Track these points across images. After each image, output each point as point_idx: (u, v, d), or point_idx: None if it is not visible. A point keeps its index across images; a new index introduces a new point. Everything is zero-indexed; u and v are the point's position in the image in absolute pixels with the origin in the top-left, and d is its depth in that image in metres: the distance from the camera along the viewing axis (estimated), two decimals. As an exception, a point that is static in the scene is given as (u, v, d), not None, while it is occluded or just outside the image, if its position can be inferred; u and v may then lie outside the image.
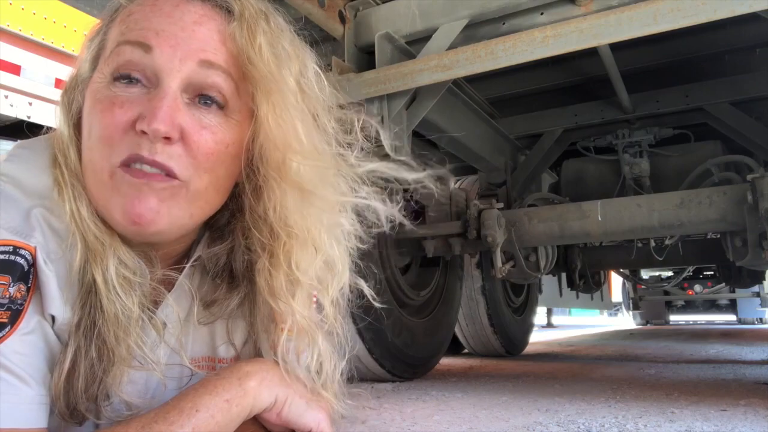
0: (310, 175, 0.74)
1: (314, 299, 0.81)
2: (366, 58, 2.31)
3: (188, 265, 0.80)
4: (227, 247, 0.80)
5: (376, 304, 0.84)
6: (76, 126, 0.74)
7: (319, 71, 0.82)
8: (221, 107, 0.72)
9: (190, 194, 0.70)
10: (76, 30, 3.69)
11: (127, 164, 0.67)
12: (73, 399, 0.67)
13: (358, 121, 0.86)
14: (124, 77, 0.69)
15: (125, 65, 0.69)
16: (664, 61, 3.05)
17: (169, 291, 0.79)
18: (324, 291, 0.80)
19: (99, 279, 0.68)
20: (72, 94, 0.75)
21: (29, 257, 0.65)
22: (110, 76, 0.69)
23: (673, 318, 11.74)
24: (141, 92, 0.68)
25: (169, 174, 0.68)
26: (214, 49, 0.71)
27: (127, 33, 0.70)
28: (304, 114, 0.75)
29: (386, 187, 0.87)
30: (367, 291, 0.85)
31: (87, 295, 0.69)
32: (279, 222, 0.73)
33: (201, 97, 0.71)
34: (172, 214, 0.70)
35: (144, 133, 0.66)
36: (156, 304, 0.77)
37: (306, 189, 0.74)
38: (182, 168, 0.68)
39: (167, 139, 0.66)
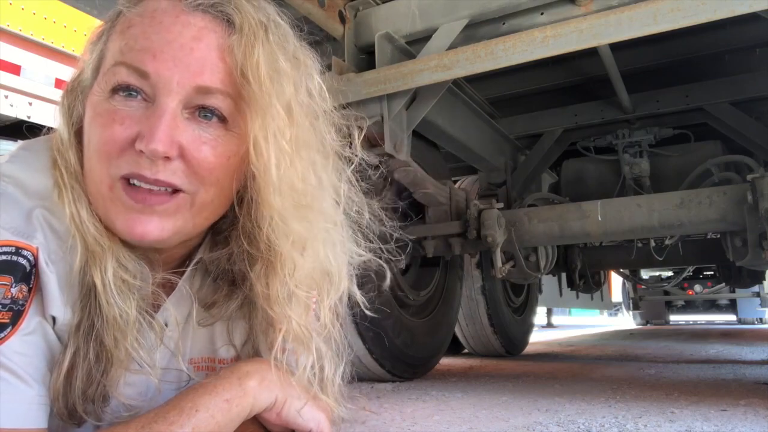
0: (294, 199, 0.74)
1: (313, 309, 0.81)
2: (366, 58, 2.31)
3: (189, 269, 0.80)
4: (228, 252, 0.80)
5: (369, 313, 0.85)
6: (77, 133, 0.74)
7: (322, 83, 0.81)
8: (221, 121, 0.71)
9: (197, 206, 0.71)
10: (76, 30, 3.69)
11: (127, 178, 0.67)
12: (71, 400, 0.67)
13: (359, 135, 0.86)
14: (122, 89, 0.68)
15: (122, 85, 0.68)
16: (664, 61, 3.05)
17: (169, 294, 0.79)
18: (322, 300, 0.80)
19: (98, 281, 0.68)
20: (72, 99, 0.75)
21: (31, 258, 0.65)
22: (109, 92, 0.69)
23: (673, 318, 11.73)
24: (140, 106, 0.68)
25: (174, 189, 0.69)
26: (211, 70, 0.69)
27: (126, 53, 0.69)
28: (298, 131, 0.74)
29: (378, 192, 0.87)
30: (360, 300, 0.85)
31: (87, 297, 0.69)
32: (273, 233, 0.73)
33: (201, 111, 0.70)
34: (177, 225, 0.70)
35: (142, 152, 0.66)
36: (156, 307, 0.77)
37: (289, 210, 0.73)
38: (186, 182, 0.69)
39: (166, 158, 0.66)
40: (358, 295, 0.85)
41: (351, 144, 0.86)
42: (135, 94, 0.68)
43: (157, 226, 0.69)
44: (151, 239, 0.69)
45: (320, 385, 0.80)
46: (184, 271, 0.81)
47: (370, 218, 0.86)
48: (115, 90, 0.68)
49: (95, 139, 0.68)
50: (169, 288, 0.79)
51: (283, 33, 0.77)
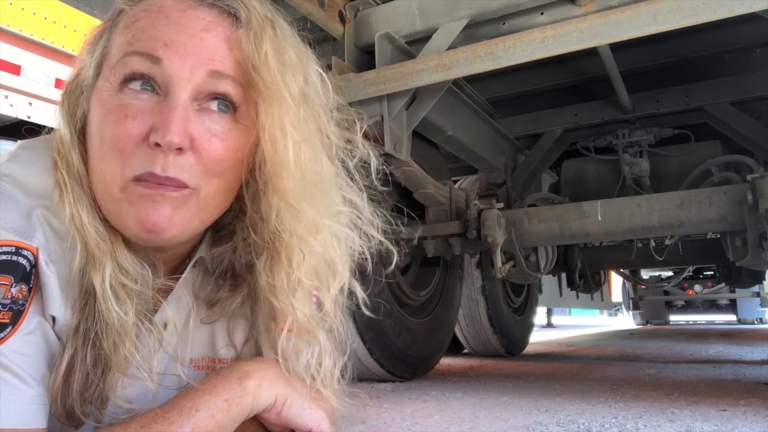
0: (305, 188, 0.74)
1: (314, 297, 0.81)
2: (366, 58, 2.31)
3: (188, 270, 0.80)
4: (231, 247, 0.80)
5: (367, 312, 0.85)
6: (80, 132, 0.73)
7: (324, 75, 0.82)
8: (231, 113, 0.72)
9: (201, 200, 0.71)
10: (76, 30, 3.69)
11: (139, 179, 0.67)
12: (69, 402, 0.67)
13: (360, 128, 0.87)
14: (137, 78, 0.68)
15: (134, 74, 0.68)
16: (664, 61, 3.06)
17: (167, 296, 0.78)
18: (325, 290, 0.80)
19: (97, 285, 0.68)
20: (75, 98, 0.75)
21: (31, 258, 0.65)
22: (118, 85, 0.69)
23: (673, 318, 11.73)
24: (151, 100, 0.68)
25: (180, 185, 0.68)
26: (222, 58, 0.70)
27: (135, 43, 0.69)
28: (305, 124, 0.75)
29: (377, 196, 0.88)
30: (360, 295, 0.85)
31: (85, 300, 0.69)
32: (279, 225, 0.74)
33: (211, 102, 0.71)
34: (185, 219, 0.70)
35: (157, 145, 0.66)
36: (156, 311, 0.77)
37: (300, 195, 0.74)
38: (192, 177, 0.69)
39: (179, 149, 0.67)
40: (358, 291, 0.85)
41: (351, 140, 0.87)
42: (146, 86, 0.68)
43: (168, 215, 0.68)
44: (163, 228, 0.68)
45: (319, 378, 0.80)
46: (184, 270, 0.80)
47: (370, 213, 0.86)
48: (126, 81, 0.68)
49: (108, 135, 0.68)
50: (169, 289, 0.79)
51: (286, 29, 0.78)
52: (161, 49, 0.68)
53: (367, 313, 0.85)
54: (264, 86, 0.71)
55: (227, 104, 0.72)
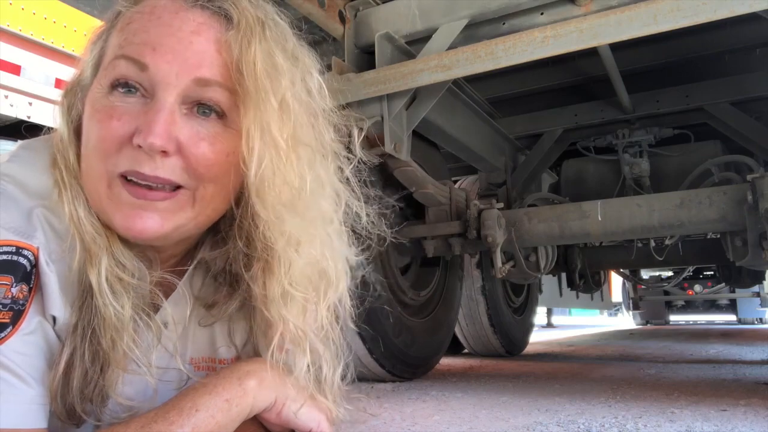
0: (293, 192, 0.73)
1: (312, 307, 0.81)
2: (366, 58, 2.31)
3: (190, 268, 0.80)
4: (226, 252, 0.79)
5: (351, 325, 0.85)
6: (76, 130, 0.74)
7: (322, 82, 0.81)
8: (220, 116, 0.71)
9: (198, 203, 0.71)
10: (76, 30, 3.69)
11: (125, 176, 0.67)
12: (69, 400, 0.67)
13: (358, 134, 0.86)
14: (121, 86, 0.68)
15: (121, 78, 0.68)
16: (664, 61, 3.06)
17: (168, 294, 0.78)
18: (319, 300, 0.79)
19: (93, 280, 0.68)
20: (72, 98, 0.75)
21: (31, 257, 0.65)
22: (108, 87, 0.69)
23: (673, 318, 11.73)
24: (138, 102, 0.68)
25: (174, 186, 0.68)
26: (210, 63, 0.70)
27: (125, 46, 0.69)
28: (293, 129, 0.73)
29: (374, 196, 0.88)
30: (347, 308, 0.85)
31: (84, 297, 0.69)
32: (269, 233, 0.73)
33: (199, 107, 0.70)
34: (178, 223, 0.70)
35: (140, 147, 0.65)
36: (155, 307, 0.77)
37: (283, 206, 0.73)
38: (185, 178, 0.69)
39: (164, 152, 0.66)
40: (348, 305, 0.84)
41: (350, 144, 0.86)
42: (134, 90, 0.68)
43: (157, 222, 0.68)
44: (150, 234, 0.68)
45: (318, 387, 0.80)
46: (184, 271, 0.80)
47: (367, 220, 0.86)
48: (114, 85, 0.68)
49: (93, 135, 0.68)
50: (168, 287, 0.79)
51: (282, 31, 0.77)
52: (149, 55, 0.67)
53: (351, 326, 0.85)
54: (246, 90, 0.70)
55: (215, 111, 0.71)
